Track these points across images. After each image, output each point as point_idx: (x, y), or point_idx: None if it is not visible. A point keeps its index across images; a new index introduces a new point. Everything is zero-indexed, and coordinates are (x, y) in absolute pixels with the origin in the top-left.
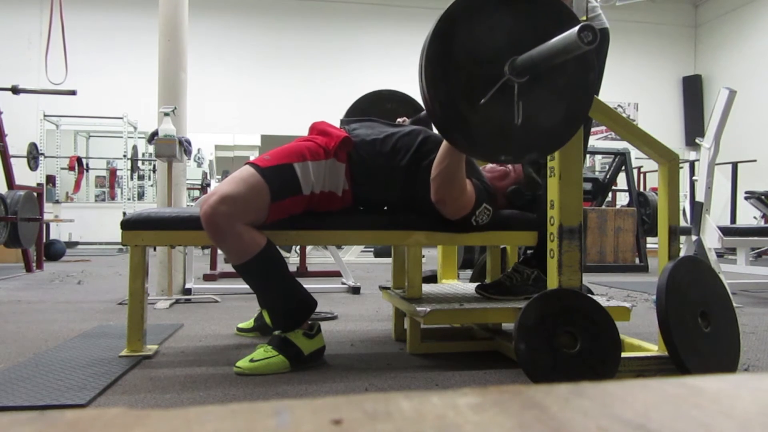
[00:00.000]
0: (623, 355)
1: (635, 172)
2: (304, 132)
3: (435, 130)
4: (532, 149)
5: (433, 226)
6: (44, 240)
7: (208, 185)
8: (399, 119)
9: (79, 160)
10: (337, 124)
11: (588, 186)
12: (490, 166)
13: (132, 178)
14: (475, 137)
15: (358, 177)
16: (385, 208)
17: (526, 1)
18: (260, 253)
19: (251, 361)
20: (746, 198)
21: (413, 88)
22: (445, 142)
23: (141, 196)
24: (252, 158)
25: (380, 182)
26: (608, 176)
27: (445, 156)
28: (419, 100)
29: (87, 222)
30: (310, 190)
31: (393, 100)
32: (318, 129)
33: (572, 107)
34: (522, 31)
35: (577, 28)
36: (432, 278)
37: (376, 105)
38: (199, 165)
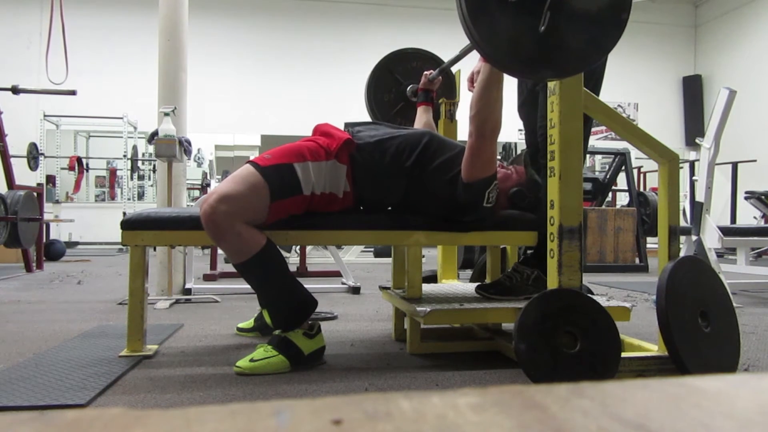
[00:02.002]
0: (623, 355)
1: (635, 172)
2: (304, 132)
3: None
4: (548, 67)
5: (433, 226)
6: (44, 240)
7: (208, 185)
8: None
9: (79, 160)
10: (341, 126)
11: (588, 186)
12: None
13: (132, 178)
14: (495, 37)
15: (360, 179)
16: (389, 209)
17: None
18: (260, 252)
19: (251, 360)
20: (746, 198)
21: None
22: (483, 77)
23: (141, 196)
24: (252, 158)
25: (383, 183)
26: (608, 176)
27: (484, 87)
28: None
29: (87, 222)
30: (311, 190)
31: (418, 58)
32: (321, 131)
33: (597, 38)
34: None
35: None
36: (432, 278)
37: (401, 63)
38: (199, 165)
